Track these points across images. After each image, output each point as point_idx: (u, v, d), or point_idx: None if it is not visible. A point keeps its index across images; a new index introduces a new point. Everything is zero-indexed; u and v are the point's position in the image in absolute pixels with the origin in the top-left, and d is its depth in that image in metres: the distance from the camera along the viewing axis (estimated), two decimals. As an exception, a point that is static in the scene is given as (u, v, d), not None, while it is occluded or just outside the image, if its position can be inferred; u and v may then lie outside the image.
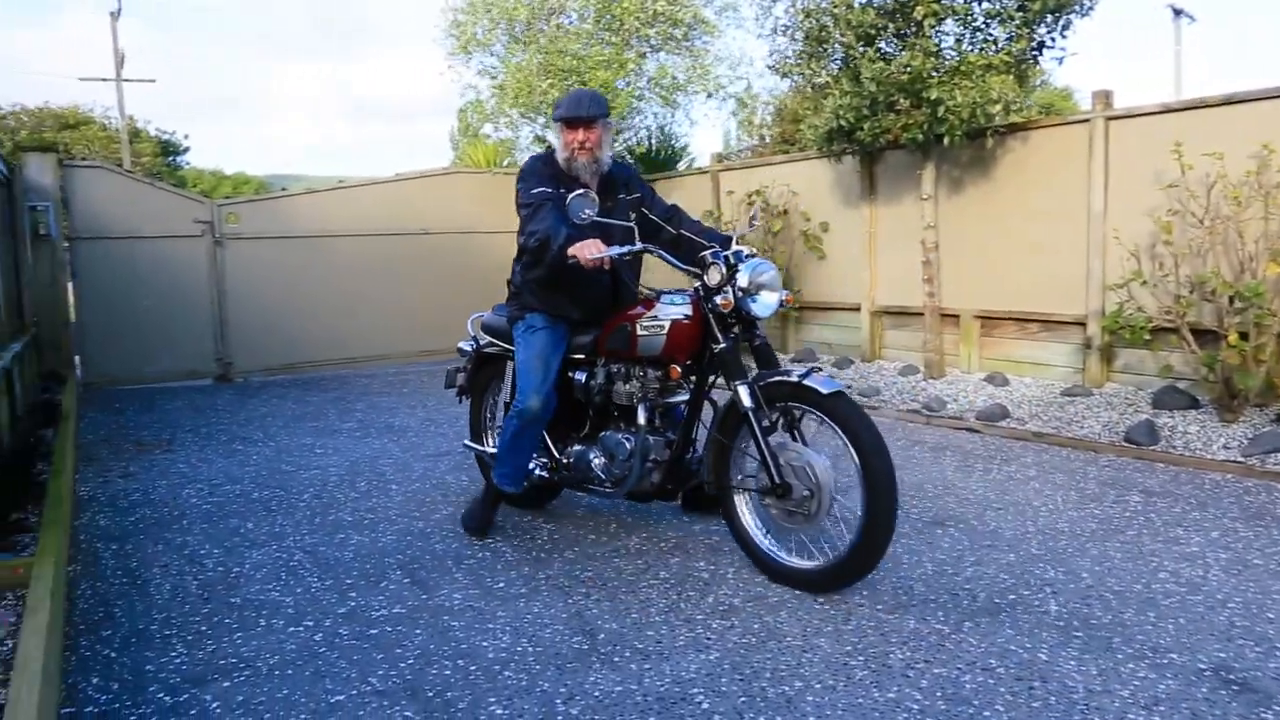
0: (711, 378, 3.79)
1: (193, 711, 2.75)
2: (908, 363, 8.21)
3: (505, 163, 11.68)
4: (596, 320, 3.99)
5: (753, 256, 3.64)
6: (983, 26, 6.86)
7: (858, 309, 8.74)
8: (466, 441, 4.84)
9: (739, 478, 3.73)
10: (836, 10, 7.00)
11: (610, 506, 4.64)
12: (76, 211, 9.23)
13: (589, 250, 3.54)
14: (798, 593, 3.51)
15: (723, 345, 3.60)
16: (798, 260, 9.13)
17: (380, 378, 9.59)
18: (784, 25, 7.69)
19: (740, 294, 3.55)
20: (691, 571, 3.76)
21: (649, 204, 4.11)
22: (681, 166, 11.98)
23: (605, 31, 9.88)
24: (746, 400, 3.52)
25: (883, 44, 7.03)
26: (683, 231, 4.07)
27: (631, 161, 11.88)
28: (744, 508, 3.73)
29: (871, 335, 8.66)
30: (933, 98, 6.65)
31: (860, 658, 2.97)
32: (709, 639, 3.14)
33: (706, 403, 3.89)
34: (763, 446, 3.49)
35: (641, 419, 3.83)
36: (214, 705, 2.78)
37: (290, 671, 2.98)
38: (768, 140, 15.49)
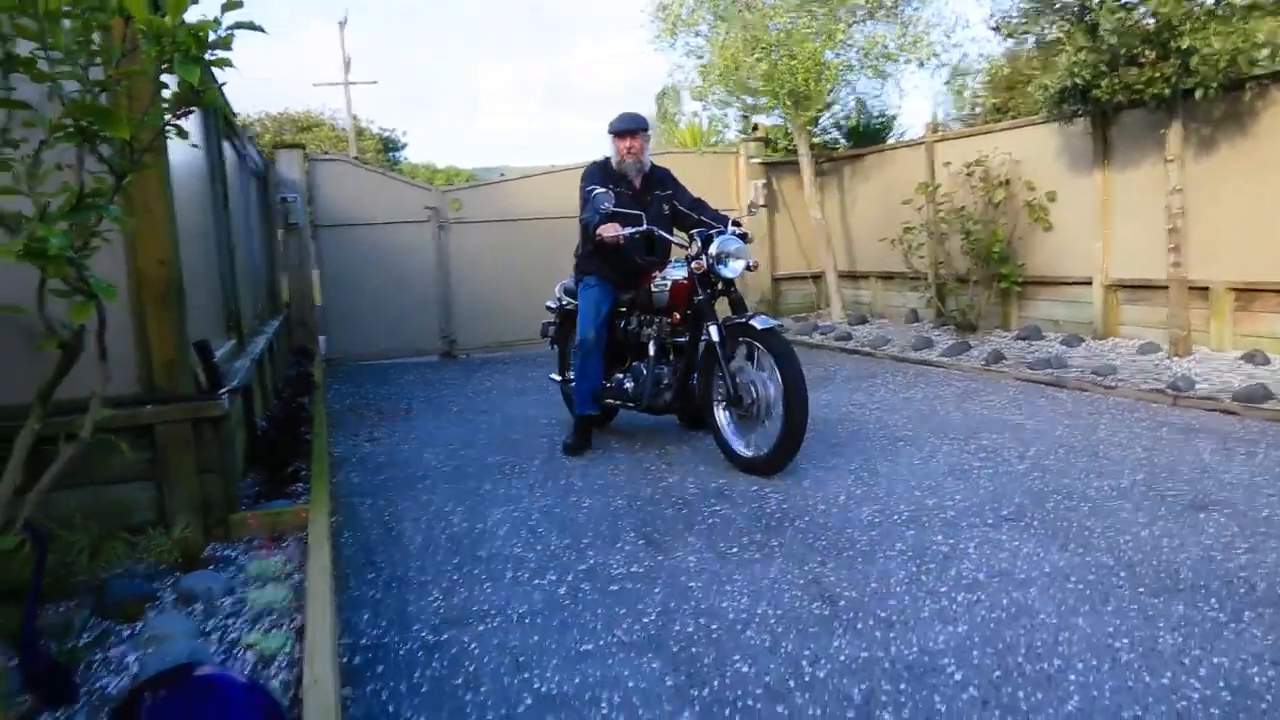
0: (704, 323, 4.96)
1: (453, 650, 2.93)
2: (1147, 340, 7.60)
3: (714, 141, 11.73)
4: (631, 282, 5.42)
5: (733, 234, 5.00)
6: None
7: (1089, 283, 8.16)
8: (552, 375, 6.27)
9: (717, 394, 4.94)
10: (1072, -40, 6.54)
11: (843, 482, 4.59)
12: (319, 201, 10.03)
13: (609, 231, 5.03)
14: (1046, 569, 3.34)
15: (700, 297, 4.95)
16: (1021, 232, 8.63)
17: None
18: (1008, -18, 7.27)
19: (711, 260, 4.89)
20: (929, 544, 3.65)
21: (679, 197, 5.53)
22: (891, 139, 11.60)
23: (812, 3, 9.66)
24: (715, 336, 4.85)
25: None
26: (702, 216, 5.42)
27: (835, 137, 11.62)
28: (719, 414, 4.98)
29: (1105, 311, 8.06)
30: (1184, 46, 6.08)
31: (1124, 640, 2.78)
32: (955, 612, 3.03)
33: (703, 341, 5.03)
34: (724, 369, 4.82)
35: (651, 352, 5.33)
36: (472, 646, 2.95)
37: (539, 620, 3.12)
38: (978, 110, 14.71)
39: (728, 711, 2.48)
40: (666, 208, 5.45)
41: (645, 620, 3.07)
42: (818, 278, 11.29)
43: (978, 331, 8.82)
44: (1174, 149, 6.90)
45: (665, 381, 5.25)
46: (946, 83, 12.60)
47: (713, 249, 4.90)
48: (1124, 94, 6.59)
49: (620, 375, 5.55)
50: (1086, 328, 8.22)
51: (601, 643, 2.92)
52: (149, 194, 3.54)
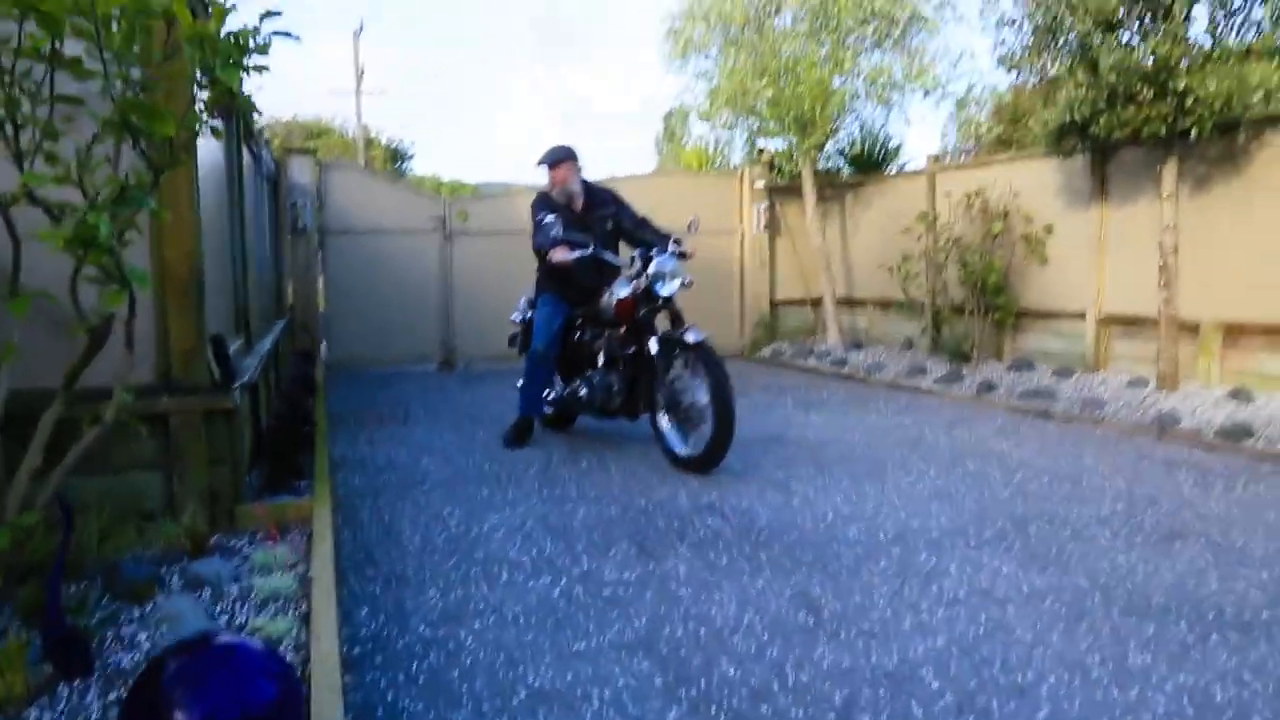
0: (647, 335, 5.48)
1: (450, 645, 3.03)
2: (1137, 375, 7.73)
3: (718, 163, 11.91)
4: (584, 299, 5.92)
5: (672, 253, 5.53)
6: (1241, 8, 6.38)
7: (1082, 316, 8.31)
8: (519, 383, 6.39)
9: (658, 400, 5.45)
10: (1074, -1, 6.70)
11: (832, 501, 4.71)
12: (329, 208, 10.17)
13: (558, 254, 5.62)
14: (1025, 589, 3.45)
15: (641, 313, 5.49)
16: (1017, 265, 8.79)
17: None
18: (1010, 18, 7.45)
19: (649, 280, 5.43)
20: (913, 563, 3.76)
21: (622, 215, 6.07)
22: (894, 168, 11.77)
23: (821, 30, 9.86)
24: (653, 349, 5.38)
25: (1123, 32, 6.67)
26: (644, 234, 5.93)
27: (841, 166, 11.80)
28: (660, 419, 5.48)
29: (1096, 344, 8.21)
30: (1180, 87, 6.25)
31: (1096, 656, 2.89)
32: (935, 625, 3.14)
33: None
34: (662, 379, 5.40)
35: (600, 362, 5.82)
36: (469, 641, 3.06)
37: (533, 620, 3.22)
38: (982, 141, 14.94)
39: (714, 710, 2.59)
40: (610, 224, 6.02)
41: (636, 624, 3.18)
42: (816, 303, 11.44)
43: (971, 361, 8.96)
44: (1169, 187, 7.06)
45: (615, 388, 5.74)
46: (955, 112, 12.77)
47: (651, 269, 5.45)
48: (1121, 131, 6.76)
49: (577, 382, 6.02)
50: (1078, 360, 8.36)
51: (594, 643, 3.03)
52: (177, 190, 3.67)
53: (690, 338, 5.18)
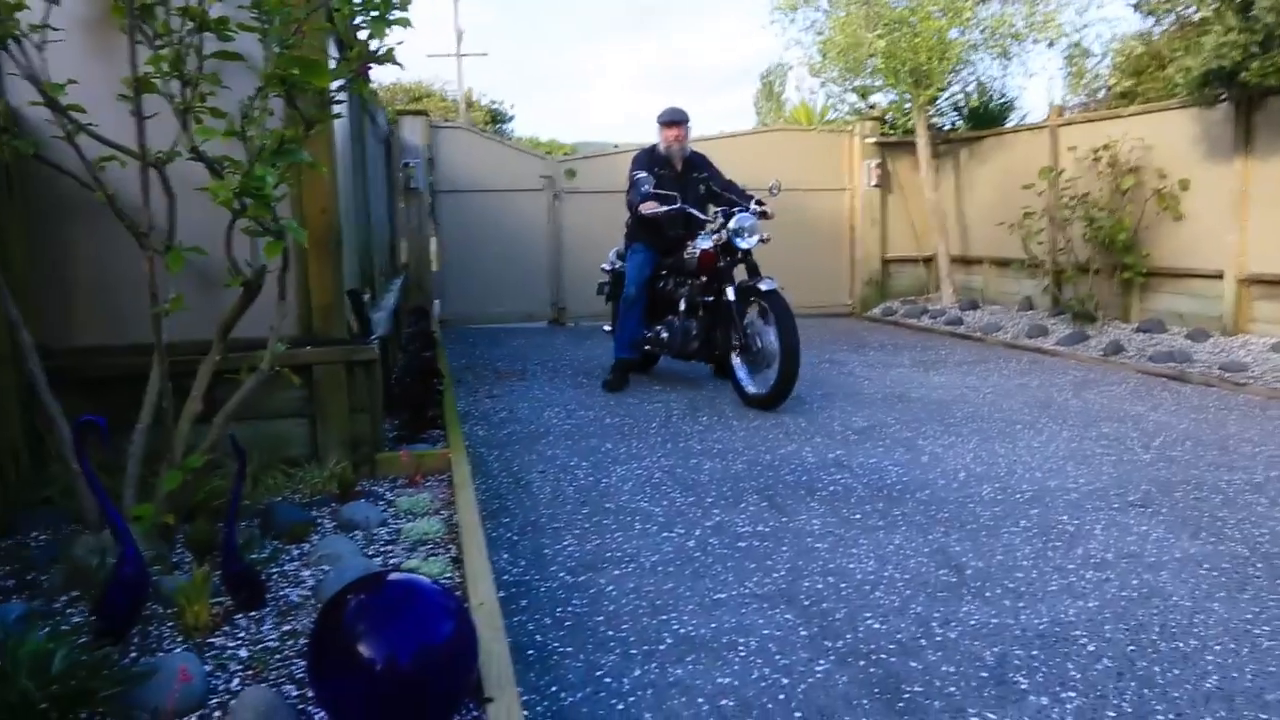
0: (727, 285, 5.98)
1: (591, 590, 3.08)
2: (1280, 337, 7.30)
3: (826, 119, 11.65)
4: (670, 250, 6.46)
5: (752, 212, 6.04)
6: None
7: (1219, 276, 7.86)
8: (604, 326, 7.52)
9: (734, 344, 5.93)
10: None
11: (961, 460, 4.61)
12: (439, 168, 10.33)
13: (648, 208, 6.18)
14: (1177, 555, 3.32)
15: (721, 264, 5.99)
16: (1148, 221, 8.35)
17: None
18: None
19: (730, 234, 5.89)
20: (1054, 523, 3.65)
21: (713, 179, 6.60)
22: (1012, 122, 11.31)
23: (938, -21, 9.48)
24: (731, 296, 5.91)
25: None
26: (730, 194, 6.44)
27: (954, 121, 11.40)
28: (735, 360, 5.96)
29: (1236, 306, 7.75)
30: (1346, 29, 5.80)
31: (1265, 628, 2.76)
32: (1084, 588, 3.05)
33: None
34: (738, 323, 5.86)
35: (682, 307, 6.37)
36: (609, 588, 3.10)
37: (671, 569, 3.25)
38: (1101, 95, 14.19)
39: (862, 663, 2.56)
40: (703, 188, 6.56)
41: (775, 575, 3.17)
42: (928, 261, 11.13)
43: (1096, 322, 8.59)
44: (1324, 138, 6.59)
45: (694, 333, 6.24)
46: (1065, 64, 12.13)
47: (731, 224, 5.90)
48: (1276, 77, 6.32)
49: (659, 327, 6.55)
50: (1214, 322, 7.94)
51: (734, 593, 3.04)
52: (316, 145, 3.73)
53: (764, 285, 5.69)
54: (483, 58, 55.39)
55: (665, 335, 6.44)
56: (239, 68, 3.00)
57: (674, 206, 6.17)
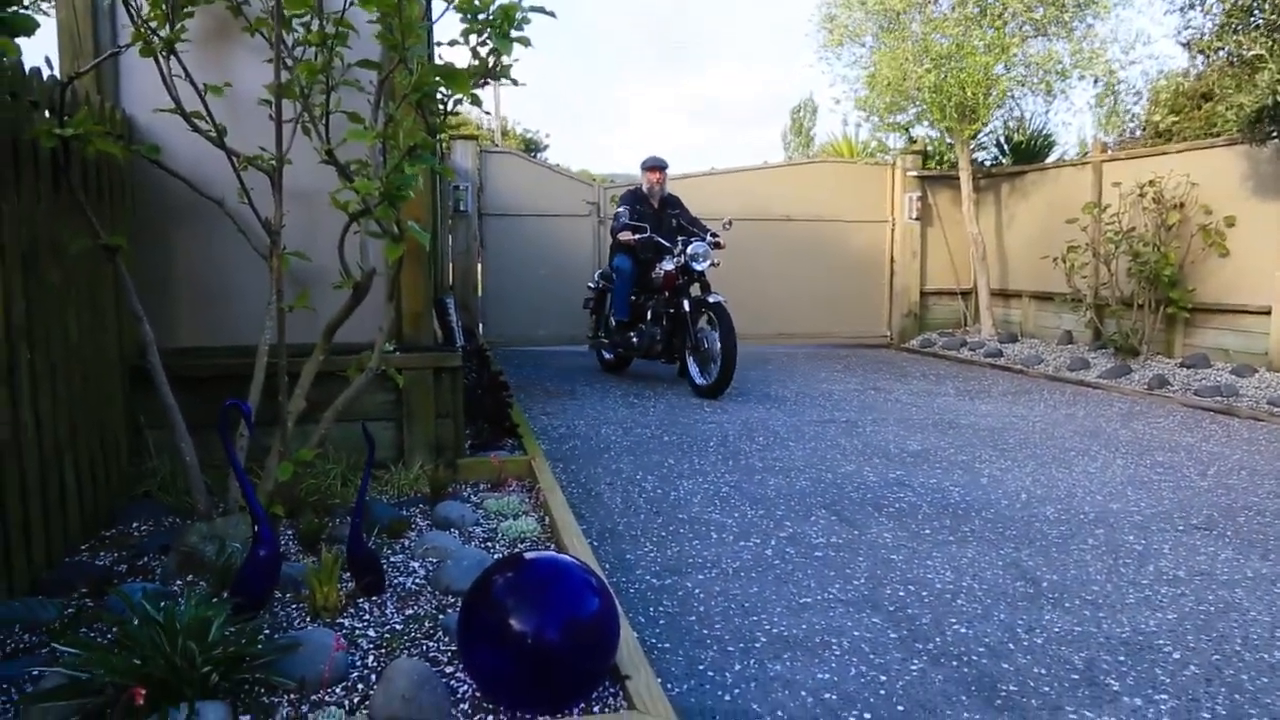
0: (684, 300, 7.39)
1: (679, 593, 3.18)
2: (1328, 374, 7.33)
3: (870, 149, 11.81)
4: (642, 270, 7.86)
5: (706, 241, 7.46)
6: None
7: (1267, 312, 7.92)
8: (586, 334, 9.00)
9: (688, 344, 7.37)
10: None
11: (1021, 483, 4.68)
12: (487, 192, 10.55)
13: (625, 235, 7.68)
14: (1249, 574, 3.38)
15: (680, 282, 7.41)
16: (1193, 257, 8.43)
17: (747, 354, 10.05)
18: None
19: (687, 259, 7.31)
20: (1122, 543, 3.72)
21: (682, 215, 8.10)
22: (1053, 158, 11.43)
23: (984, 17, 9.66)
24: (686, 308, 7.32)
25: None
26: (695, 229, 7.89)
27: (997, 156, 11.53)
28: (688, 358, 7.41)
29: (1282, 342, 7.80)
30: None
31: (1344, 642, 2.82)
32: (1161, 601, 3.12)
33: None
34: (691, 329, 7.29)
35: (648, 317, 7.79)
36: (696, 590, 3.20)
37: (754, 574, 3.34)
38: (1137, 134, 14.28)
39: (955, 664, 2.65)
40: (675, 221, 8.04)
41: (855, 583, 3.27)
42: (966, 294, 11.23)
43: (1139, 356, 8.65)
44: (1373, 177, 6.66)
45: (658, 337, 7.68)
46: (1095, 102, 12.19)
47: (689, 251, 7.32)
48: (1326, 117, 6.42)
49: (630, 334, 7.96)
50: (1260, 359, 7.98)
51: (819, 598, 3.13)
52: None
53: (712, 299, 7.09)
54: (522, 88, 56.38)
55: (635, 339, 7.87)
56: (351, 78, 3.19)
57: (644, 235, 7.68)
